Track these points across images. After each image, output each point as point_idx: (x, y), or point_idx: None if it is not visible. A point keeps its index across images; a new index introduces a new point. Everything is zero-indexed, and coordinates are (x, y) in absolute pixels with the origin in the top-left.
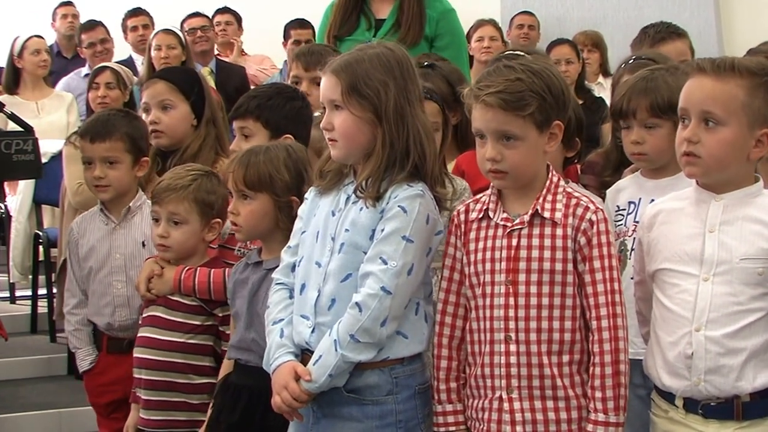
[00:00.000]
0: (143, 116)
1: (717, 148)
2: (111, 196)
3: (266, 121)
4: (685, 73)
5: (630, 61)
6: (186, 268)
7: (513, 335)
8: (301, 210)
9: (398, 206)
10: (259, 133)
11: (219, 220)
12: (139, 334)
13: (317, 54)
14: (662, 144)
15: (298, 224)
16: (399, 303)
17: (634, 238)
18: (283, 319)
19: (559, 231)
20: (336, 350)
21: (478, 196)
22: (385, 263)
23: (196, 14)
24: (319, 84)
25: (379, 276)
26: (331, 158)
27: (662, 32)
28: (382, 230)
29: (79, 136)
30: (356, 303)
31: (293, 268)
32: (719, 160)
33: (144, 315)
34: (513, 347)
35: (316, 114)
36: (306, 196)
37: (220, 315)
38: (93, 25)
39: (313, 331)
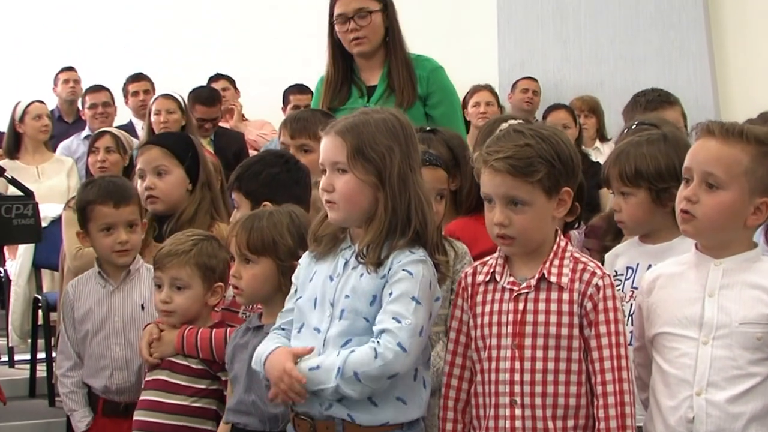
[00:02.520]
0: (138, 182)
1: (713, 211)
2: (131, 259)
3: (246, 192)
4: (670, 140)
5: (633, 126)
6: (188, 328)
7: (518, 399)
8: (296, 276)
9: (403, 270)
10: (242, 203)
11: (221, 284)
12: (141, 398)
13: (303, 121)
14: (635, 212)
15: (292, 289)
16: (411, 362)
17: (632, 304)
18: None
19: (565, 296)
20: (334, 377)
21: (485, 259)
22: (400, 321)
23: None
24: (306, 150)
25: (395, 332)
26: (324, 222)
27: (654, 100)
28: (390, 293)
29: (95, 205)
30: (374, 349)
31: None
32: (714, 222)
33: (147, 379)
34: (518, 411)
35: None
36: (300, 261)
37: (224, 379)
38: (99, 88)
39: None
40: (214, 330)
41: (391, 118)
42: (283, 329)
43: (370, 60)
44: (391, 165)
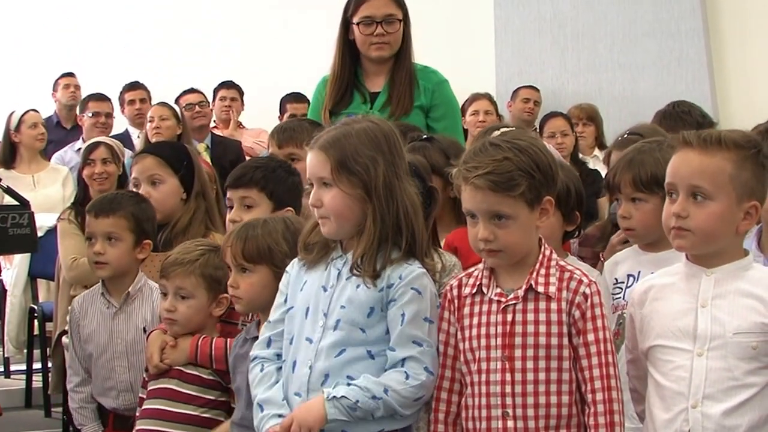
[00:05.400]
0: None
1: (706, 222)
2: (108, 274)
3: (271, 193)
4: (670, 148)
5: (625, 136)
6: (202, 337)
7: (510, 411)
8: (283, 284)
9: (412, 288)
10: (262, 204)
11: (226, 295)
12: (145, 406)
13: (290, 130)
14: (648, 219)
15: (279, 298)
16: (434, 385)
17: None
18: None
19: (553, 305)
20: (383, 394)
21: (470, 270)
22: (421, 345)
23: (192, 90)
24: (294, 159)
25: (419, 358)
26: (314, 230)
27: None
28: (402, 315)
29: (87, 214)
30: (405, 371)
31: (269, 342)
32: (709, 233)
33: (152, 387)
34: (510, 423)
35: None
36: (287, 269)
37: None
38: (103, 97)
39: None
40: (229, 340)
41: (373, 127)
42: (277, 355)
43: (378, 66)
44: (375, 176)
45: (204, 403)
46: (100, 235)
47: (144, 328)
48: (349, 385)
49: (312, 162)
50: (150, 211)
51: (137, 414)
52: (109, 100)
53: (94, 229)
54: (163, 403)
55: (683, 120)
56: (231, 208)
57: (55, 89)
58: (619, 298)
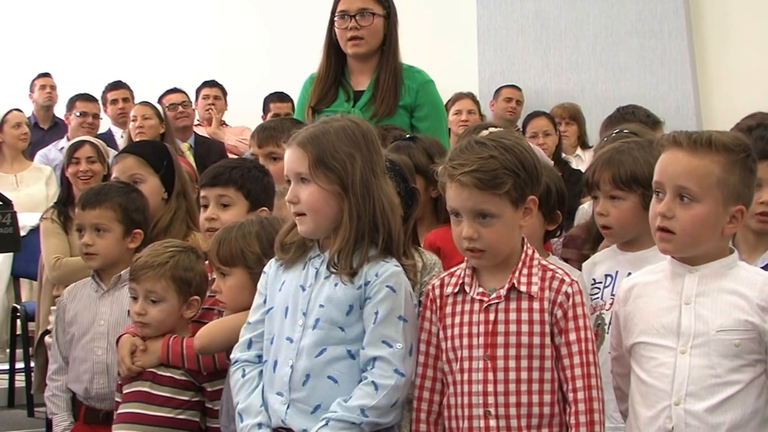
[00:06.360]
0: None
1: (691, 225)
2: (98, 265)
3: (248, 192)
4: (660, 146)
5: (613, 135)
6: (173, 337)
7: (492, 410)
8: (262, 285)
9: (386, 286)
10: (239, 203)
11: (197, 297)
12: (121, 410)
13: (270, 129)
14: (626, 216)
15: (258, 299)
16: (408, 384)
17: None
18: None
19: (536, 305)
20: (361, 417)
21: (452, 270)
22: (391, 346)
23: (175, 90)
24: (275, 159)
25: (389, 359)
26: (292, 231)
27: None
28: (376, 313)
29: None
30: (372, 381)
31: (250, 344)
32: (693, 236)
33: (126, 391)
34: (493, 422)
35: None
36: (265, 270)
37: (209, 390)
38: (91, 98)
39: (288, 408)
40: None
41: (351, 125)
42: (258, 357)
43: (362, 64)
44: (352, 172)
45: (179, 405)
46: (88, 227)
47: (128, 311)
48: (327, 423)
49: (290, 158)
50: (140, 201)
51: (114, 417)
52: (96, 100)
53: (83, 221)
54: (138, 406)
55: (628, 121)
56: (205, 207)
57: (32, 90)
58: (598, 298)
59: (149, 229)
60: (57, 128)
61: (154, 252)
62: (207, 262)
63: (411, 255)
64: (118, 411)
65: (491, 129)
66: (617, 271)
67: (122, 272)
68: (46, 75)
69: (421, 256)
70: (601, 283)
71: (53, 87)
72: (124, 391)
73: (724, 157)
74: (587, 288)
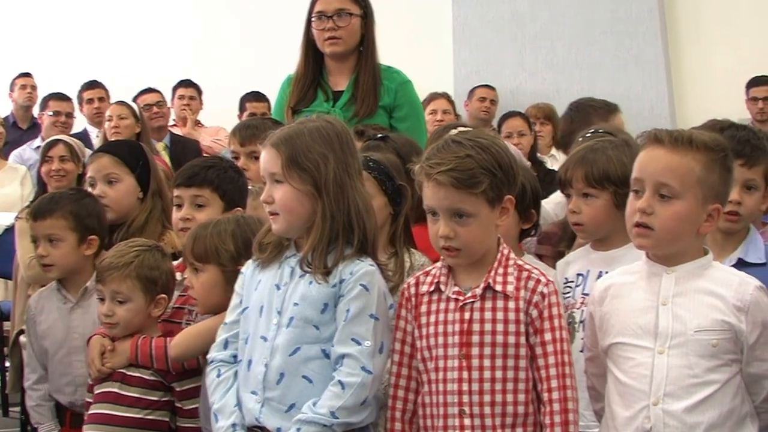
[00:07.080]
0: (88, 190)
1: (670, 221)
2: (57, 275)
3: (223, 193)
4: (632, 147)
5: (587, 134)
6: (142, 337)
7: (467, 409)
8: (239, 285)
9: (360, 285)
10: (214, 203)
11: (164, 295)
12: (91, 411)
13: (252, 128)
14: (598, 215)
15: (235, 300)
16: (378, 382)
17: (583, 311)
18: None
19: (511, 304)
20: (331, 419)
21: (428, 269)
22: (359, 344)
23: (150, 90)
24: (256, 158)
25: (357, 357)
26: (270, 231)
27: (602, 108)
28: (348, 310)
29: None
30: (339, 381)
31: (226, 344)
32: (671, 232)
33: (96, 391)
34: (467, 421)
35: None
36: (243, 270)
37: (178, 389)
38: (64, 97)
39: (262, 406)
40: (168, 339)
41: (325, 125)
42: (234, 356)
43: (340, 64)
44: (326, 172)
45: (148, 405)
46: (42, 238)
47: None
48: (299, 430)
49: (265, 158)
50: (93, 206)
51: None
52: (69, 99)
53: (36, 232)
54: (107, 407)
55: (592, 107)
56: (178, 206)
57: (11, 89)
58: (569, 297)
59: (112, 233)
60: (36, 128)
61: (119, 252)
62: (178, 260)
63: (376, 254)
64: (89, 412)
65: (460, 128)
66: (589, 270)
67: (88, 284)
68: (27, 75)
69: (410, 256)
70: (572, 282)
71: (34, 87)
72: (95, 392)
73: (705, 155)
74: (560, 287)
